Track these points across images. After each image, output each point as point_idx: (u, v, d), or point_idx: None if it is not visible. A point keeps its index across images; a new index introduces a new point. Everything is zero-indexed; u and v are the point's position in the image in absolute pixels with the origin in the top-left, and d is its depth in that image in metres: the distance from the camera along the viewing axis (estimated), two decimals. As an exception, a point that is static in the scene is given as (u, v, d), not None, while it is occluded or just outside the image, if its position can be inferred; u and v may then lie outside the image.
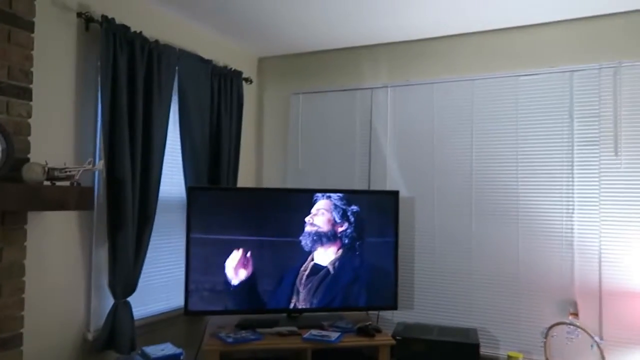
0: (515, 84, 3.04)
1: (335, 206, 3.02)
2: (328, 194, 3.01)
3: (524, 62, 3.03)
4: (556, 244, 2.89)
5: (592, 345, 2.61)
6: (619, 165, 2.78)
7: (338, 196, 3.03)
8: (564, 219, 2.89)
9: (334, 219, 3.01)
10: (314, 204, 3.01)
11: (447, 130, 3.22)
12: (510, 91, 3.06)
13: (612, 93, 2.80)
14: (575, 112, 2.89)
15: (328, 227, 3.00)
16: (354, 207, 3.04)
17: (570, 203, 2.88)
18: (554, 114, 2.94)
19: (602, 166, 2.81)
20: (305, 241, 2.96)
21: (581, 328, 2.66)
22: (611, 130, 2.80)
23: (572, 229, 2.86)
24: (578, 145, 2.88)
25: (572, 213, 2.87)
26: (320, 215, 2.99)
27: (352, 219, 3.03)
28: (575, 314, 2.78)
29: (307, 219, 2.98)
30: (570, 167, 2.89)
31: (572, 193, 2.87)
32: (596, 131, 2.84)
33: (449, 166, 3.20)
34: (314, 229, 2.98)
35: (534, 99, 3.00)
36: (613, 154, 2.79)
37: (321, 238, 2.98)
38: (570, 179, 2.88)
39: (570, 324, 2.71)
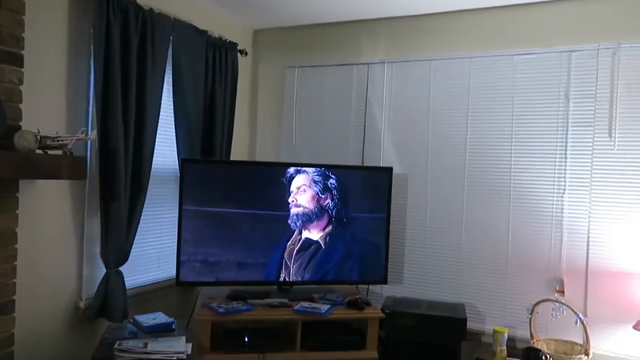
0: (512, 63, 3.02)
1: (315, 181, 3.00)
2: (317, 169, 3.00)
3: (522, 41, 3.01)
4: (546, 223, 2.93)
5: (576, 322, 2.67)
6: (612, 147, 2.79)
7: (318, 170, 3.00)
8: (555, 198, 2.91)
9: (317, 193, 3.00)
10: (301, 172, 2.98)
11: (443, 108, 3.21)
12: (507, 70, 3.04)
13: (609, 74, 2.80)
14: (572, 93, 2.89)
15: (313, 203, 3.00)
16: (337, 180, 3.03)
17: (562, 183, 2.90)
18: (550, 94, 2.94)
19: (595, 147, 2.83)
20: (294, 222, 2.97)
21: (566, 305, 2.72)
22: (606, 112, 2.80)
23: (562, 208, 2.89)
24: (573, 126, 2.88)
25: (563, 193, 2.89)
26: (302, 193, 2.98)
27: (337, 193, 3.03)
28: (561, 292, 2.84)
29: (289, 200, 2.97)
30: (563, 148, 2.90)
31: (564, 173, 2.89)
32: (591, 112, 2.84)
33: (443, 144, 3.20)
34: (299, 210, 2.97)
35: (530, 78, 2.98)
36: (607, 135, 2.80)
37: (310, 217, 2.99)
38: (563, 160, 2.90)
39: (555, 301, 2.77)
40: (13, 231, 2.09)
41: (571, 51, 2.89)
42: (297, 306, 2.78)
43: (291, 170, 2.97)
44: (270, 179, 2.96)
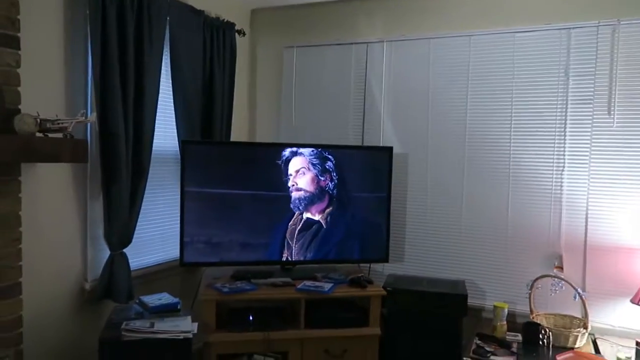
0: (512, 40, 3.01)
1: (313, 163, 3.00)
2: (314, 149, 3.00)
3: (522, 18, 2.99)
4: (545, 200, 2.95)
5: (574, 297, 2.71)
6: (611, 124, 2.80)
7: (315, 151, 3.00)
8: (554, 175, 2.93)
9: (317, 175, 3.00)
10: (298, 154, 2.97)
11: (442, 87, 3.20)
12: (507, 48, 3.02)
13: (609, 51, 2.79)
14: (571, 70, 2.88)
15: (313, 186, 3.00)
16: (336, 161, 3.03)
17: (561, 160, 2.91)
18: (550, 71, 2.93)
19: (594, 124, 2.83)
20: (296, 207, 2.98)
21: (565, 280, 2.76)
22: (606, 89, 2.80)
23: (561, 185, 2.91)
24: (572, 103, 2.89)
25: (562, 170, 2.91)
26: (301, 176, 2.98)
27: (336, 174, 3.04)
28: (560, 267, 2.87)
29: (289, 185, 2.97)
30: (562, 125, 2.91)
31: (564, 150, 2.91)
32: (591, 90, 2.84)
33: (443, 122, 3.20)
34: (300, 193, 2.98)
35: (530, 56, 2.97)
36: (606, 112, 2.81)
37: (312, 200, 3.00)
38: (562, 137, 2.91)
39: (555, 276, 2.81)
40: (17, 215, 2.10)
41: (571, 28, 2.87)
42: (300, 285, 2.81)
43: (287, 152, 2.97)
44: (271, 160, 2.96)
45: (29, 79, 2.13)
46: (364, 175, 3.11)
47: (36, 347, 2.27)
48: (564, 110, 2.90)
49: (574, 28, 2.87)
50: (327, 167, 3.01)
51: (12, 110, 2.01)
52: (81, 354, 2.50)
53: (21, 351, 2.12)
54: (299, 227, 3.01)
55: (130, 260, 2.62)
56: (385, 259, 3.14)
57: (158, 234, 3.01)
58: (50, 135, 2.09)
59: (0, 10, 1.98)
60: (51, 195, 2.34)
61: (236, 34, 3.40)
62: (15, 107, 2.05)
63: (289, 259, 3.02)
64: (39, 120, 2.03)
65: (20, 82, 2.07)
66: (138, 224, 2.69)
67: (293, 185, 2.97)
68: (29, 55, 2.15)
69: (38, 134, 2.04)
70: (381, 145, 3.34)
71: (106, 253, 2.56)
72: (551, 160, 2.94)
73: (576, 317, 2.79)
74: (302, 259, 3.03)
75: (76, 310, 2.50)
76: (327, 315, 2.81)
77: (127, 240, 2.61)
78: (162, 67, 2.79)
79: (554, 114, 2.93)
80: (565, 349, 2.59)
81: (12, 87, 2.05)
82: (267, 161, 2.96)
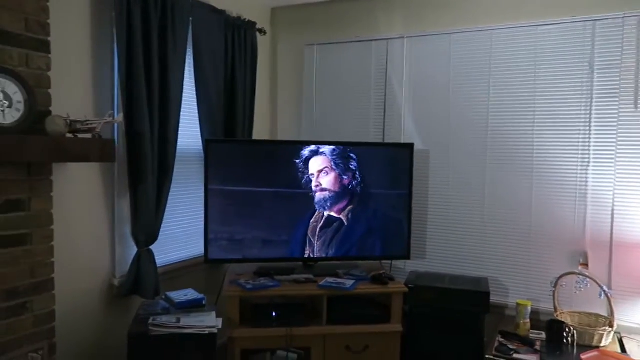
0: (534, 34, 2.97)
1: (336, 162, 3.01)
2: (335, 147, 3.02)
3: (545, 11, 2.94)
4: (570, 196, 2.91)
5: (600, 295, 2.68)
6: (638, 118, 2.74)
7: (337, 149, 3.01)
8: (579, 171, 2.89)
9: (340, 174, 3.02)
10: (320, 154, 2.99)
11: (464, 82, 3.18)
12: (530, 41, 2.99)
13: (635, 43, 2.73)
14: (596, 63, 2.83)
15: (337, 185, 3.02)
16: (358, 158, 3.04)
17: (586, 155, 2.87)
18: (574, 65, 2.88)
19: (620, 119, 2.78)
20: (321, 207, 3.00)
21: (591, 278, 2.72)
22: (632, 82, 2.75)
23: (586, 181, 2.87)
24: (597, 97, 2.84)
25: (588, 165, 2.87)
26: (325, 176, 3.00)
27: (358, 171, 3.05)
28: (585, 265, 2.83)
29: (313, 186, 2.99)
30: (587, 119, 2.86)
31: (589, 145, 2.86)
32: (616, 83, 2.79)
33: (465, 118, 3.19)
34: (325, 194, 3.00)
35: (553, 49, 2.93)
36: (633, 106, 2.75)
37: (336, 199, 3.02)
38: (587, 131, 2.86)
39: (580, 274, 2.77)
40: (49, 213, 2.17)
41: (595, 20, 2.82)
42: (322, 282, 2.84)
43: (305, 152, 2.99)
44: (292, 158, 2.99)
45: (59, 82, 2.20)
46: (385, 172, 3.11)
47: (68, 341, 2.36)
48: (589, 104, 2.86)
49: (599, 20, 2.81)
50: (350, 165, 3.03)
51: (43, 112, 2.08)
52: (110, 347, 2.58)
53: (54, 344, 2.20)
54: (320, 225, 3.04)
55: (156, 257, 2.68)
56: (406, 256, 3.14)
57: (183, 231, 3.08)
58: (79, 135, 2.15)
59: (31, 16, 2.05)
60: (81, 194, 2.42)
61: (257, 32, 3.44)
62: (47, 109, 2.12)
63: (311, 255, 3.05)
64: (69, 121, 2.09)
65: (50, 85, 2.14)
66: (163, 221, 2.75)
67: (317, 185, 2.99)
68: (59, 59, 2.22)
69: (68, 135, 2.11)
70: (402, 141, 3.34)
71: (133, 250, 2.63)
72: (576, 156, 2.90)
73: (602, 316, 2.75)
74: (323, 255, 3.06)
75: (105, 305, 2.58)
76: (349, 312, 2.83)
77: (153, 237, 2.67)
78: (186, 67, 2.84)
79: (579, 108, 2.88)
80: (590, 347, 2.56)
81: (44, 89, 2.11)
82: (289, 159, 2.99)
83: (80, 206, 2.42)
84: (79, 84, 2.38)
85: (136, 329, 2.29)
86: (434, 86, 3.26)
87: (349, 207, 3.06)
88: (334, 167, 3.01)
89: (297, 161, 2.99)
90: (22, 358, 2.06)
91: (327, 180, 3.01)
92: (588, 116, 2.86)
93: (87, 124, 2.15)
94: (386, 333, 2.81)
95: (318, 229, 3.04)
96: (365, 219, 3.08)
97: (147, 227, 2.62)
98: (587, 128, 2.87)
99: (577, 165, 2.90)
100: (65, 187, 2.32)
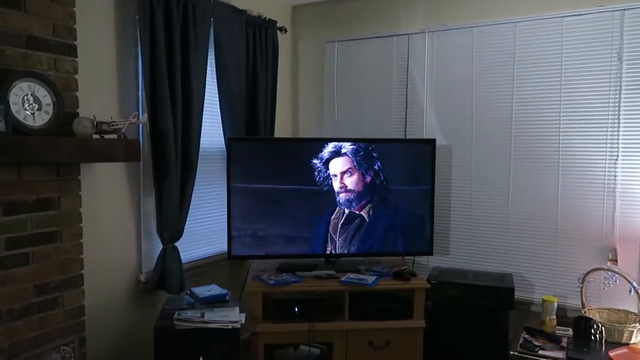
0: (560, 25, 2.90)
1: (359, 163, 3.01)
2: (355, 144, 3.02)
3: (571, 1, 2.87)
4: (598, 191, 2.84)
5: (629, 291, 2.61)
6: (669, 109, 2.65)
7: (359, 149, 3.00)
8: (607, 165, 2.82)
9: (363, 173, 3.02)
10: (342, 155, 3.01)
11: (487, 76, 3.13)
12: (555, 33, 2.92)
13: (666, 32, 2.64)
14: (625, 54, 2.75)
15: (361, 185, 3.02)
16: (380, 155, 3.03)
17: (615, 149, 2.79)
18: (601, 56, 2.81)
19: (651, 110, 2.70)
20: (345, 206, 3.02)
21: (619, 274, 2.65)
22: (663, 72, 2.66)
23: (615, 175, 2.79)
24: (626, 89, 2.76)
25: (616, 159, 2.79)
26: (348, 177, 3.00)
27: (381, 169, 3.04)
28: (614, 260, 2.76)
29: (336, 188, 2.99)
30: (616, 112, 2.78)
31: (617, 138, 2.79)
32: (646, 73, 2.70)
33: (488, 113, 3.14)
34: (350, 195, 3.01)
35: (580, 40, 2.86)
36: (664, 97, 2.67)
37: (360, 198, 3.03)
38: (616, 124, 2.79)
39: (608, 269, 2.70)
40: (77, 211, 2.25)
41: (624, 9, 2.74)
42: (344, 277, 2.85)
43: (327, 151, 3.00)
44: (313, 155, 3.01)
45: (85, 84, 2.28)
46: (407, 168, 3.10)
47: (97, 334, 2.45)
48: (617, 96, 2.78)
49: (628, 9, 2.73)
50: (372, 164, 3.03)
51: (71, 114, 2.16)
52: (137, 341, 2.66)
53: (84, 338, 2.29)
54: (341, 221, 3.05)
55: (181, 253, 2.75)
56: (429, 252, 3.12)
57: (207, 228, 3.14)
58: (105, 136, 2.22)
59: (59, 21, 2.12)
60: (108, 192, 2.50)
61: (278, 31, 3.46)
62: (74, 111, 2.20)
63: (333, 252, 3.06)
64: (95, 122, 2.16)
65: (77, 88, 2.22)
66: (188, 218, 2.81)
67: (342, 187, 3.00)
68: (85, 62, 2.29)
69: (95, 136, 2.18)
70: (424, 137, 3.31)
71: (159, 246, 2.70)
72: (604, 149, 2.82)
73: (631, 312, 2.68)
74: (345, 252, 3.07)
75: (132, 300, 2.65)
76: (371, 308, 2.84)
77: (178, 234, 2.74)
78: (207, 67, 2.89)
79: (607, 100, 2.80)
80: (619, 344, 2.50)
81: (71, 92, 2.19)
82: (310, 156, 3.01)
83: (108, 204, 2.50)
84: (104, 86, 2.46)
85: (162, 324, 2.36)
86: (457, 81, 3.23)
87: (370, 204, 3.06)
88: (357, 167, 3.01)
89: (318, 159, 3.00)
90: (54, 351, 2.14)
91: (351, 181, 3.02)
92: (617, 108, 2.78)
93: (113, 125, 2.22)
94: (408, 329, 2.81)
95: (339, 226, 3.05)
96: (387, 215, 3.08)
97: (171, 224, 2.69)
98: (616, 121, 2.79)
99: (605, 159, 2.82)
100: (93, 186, 2.40)
